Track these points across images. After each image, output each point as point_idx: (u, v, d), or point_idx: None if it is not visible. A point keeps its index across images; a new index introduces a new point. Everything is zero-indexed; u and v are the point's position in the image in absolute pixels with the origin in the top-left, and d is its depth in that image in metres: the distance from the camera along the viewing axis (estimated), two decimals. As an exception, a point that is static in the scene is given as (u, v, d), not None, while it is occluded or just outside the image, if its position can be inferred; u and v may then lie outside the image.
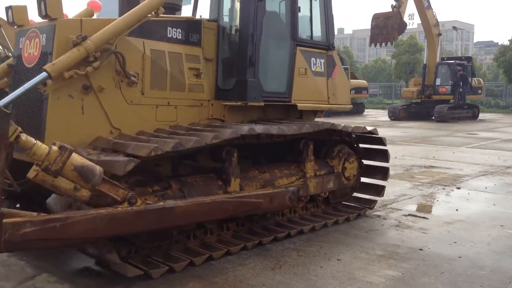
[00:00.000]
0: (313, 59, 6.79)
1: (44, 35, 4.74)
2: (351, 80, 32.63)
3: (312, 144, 6.29)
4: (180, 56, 5.59)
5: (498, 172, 10.88)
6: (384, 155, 7.16)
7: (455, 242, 5.76)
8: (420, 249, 5.47)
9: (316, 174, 6.37)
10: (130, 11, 4.92)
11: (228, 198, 4.89)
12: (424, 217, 6.90)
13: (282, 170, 6.06)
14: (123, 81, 5.03)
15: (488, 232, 6.22)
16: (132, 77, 5.01)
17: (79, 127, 4.76)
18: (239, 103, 5.89)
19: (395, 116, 28.21)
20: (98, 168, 3.88)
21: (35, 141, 3.74)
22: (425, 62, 29.31)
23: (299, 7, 6.52)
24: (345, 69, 32.73)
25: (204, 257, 4.92)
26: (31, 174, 3.72)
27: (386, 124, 25.58)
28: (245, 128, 5.18)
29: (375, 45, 26.25)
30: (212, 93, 5.99)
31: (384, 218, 6.79)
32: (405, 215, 6.97)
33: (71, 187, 3.79)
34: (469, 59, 31.19)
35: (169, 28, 5.52)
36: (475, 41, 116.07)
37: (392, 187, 8.93)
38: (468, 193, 8.55)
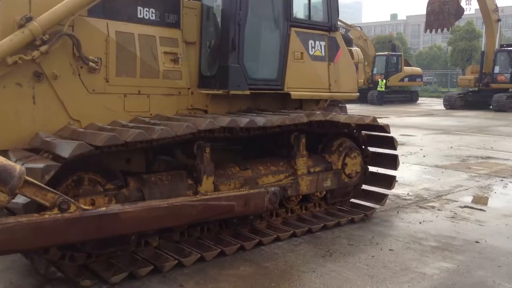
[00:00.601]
0: (311, 41, 6.07)
1: None
2: (405, 68, 31.88)
3: (304, 137, 5.55)
4: (153, 39, 5.06)
5: (561, 164, 10.36)
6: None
7: (514, 236, 5.54)
8: (477, 242, 5.29)
9: (309, 171, 5.64)
10: None
11: (191, 201, 4.20)
12: (480, 209, 6.66)
13: (268, 167, 5.37)
14: (82, 67, 4.58)
15: (549, 226, 5.94)
16: (91, 63, 4.55)
17: (30, 118, 4.34)
18: (220, 92, 5.32)
19: (451, 105, 27.36)
20: (18, 168, 3.30)
21: None
22: (483, 49, 28.19)
23: None
24: (399, 56, 32.15)
25: (254, 242, 4.95)
26: None
27: (442, 113, 24.85)
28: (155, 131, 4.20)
29: (431, 32, 25.46)
30: (194, 81, 5.44)
31: (438, 209, 6.61)
32: (461, 207, 6.76)
33: None
34: (530, 46, 29.72)
35: (139, 8, 4.97)
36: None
37: (448, 178, 8.70)
38: (528, 186, 8.20)
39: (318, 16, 6.28)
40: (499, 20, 26.68)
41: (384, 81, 29.77)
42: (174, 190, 4.57)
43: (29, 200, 3.49)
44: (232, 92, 5.32)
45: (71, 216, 3.54)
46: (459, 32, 49.94)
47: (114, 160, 4.49)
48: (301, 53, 5.96)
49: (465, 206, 6.80)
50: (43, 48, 4.24)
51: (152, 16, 5.08)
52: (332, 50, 6.34)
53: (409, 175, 8.89)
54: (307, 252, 4.89)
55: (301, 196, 5.73)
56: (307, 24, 6.08)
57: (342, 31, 21.07)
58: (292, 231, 5.30)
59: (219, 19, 5.52)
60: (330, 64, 6.32)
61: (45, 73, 4.40)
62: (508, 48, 28.04)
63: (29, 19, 4.14)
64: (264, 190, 4.76)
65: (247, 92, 5.49)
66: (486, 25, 27.04)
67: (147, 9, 5.03)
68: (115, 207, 3.81)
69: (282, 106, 6.18)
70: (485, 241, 5.33)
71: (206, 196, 4.33)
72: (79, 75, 4.59)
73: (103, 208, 3.74)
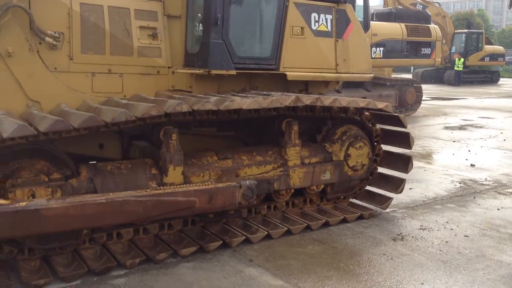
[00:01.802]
0: (314, 15, 5.35)
1: None
2: (486, 46, 30.15)
3: (296, 124, 4.85)
4: (127, 12, 4.62)
5: None
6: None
7: None
8: (561, 231, 4.98)
9: (303, 162, 4.94)
10: None
11: (137, 197, 3.62)
12: None
13: (253, 157, 4.73)
14: (41, 43, 4.21)
15: None
16: (47, 38, 4.19)
17: None
18: (201, 71, 4.79)
19: (535, 86, 25.70)
20: None
21: None
22: None
23: None
24: (479, 33, 30.40)
25: (320, 222, 4.92)
26: None
27: (524, 94, 23.44)
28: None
29: (516, 7, 23.88)
30: (178, 59, 4.97)
31: (518, 196, 6.27)
32: (544, 194, 6.38)
33: None
34: None
35: None
36: None
37: (529, 163, 8.21)
38: None
39: None
40: None
41: (462, 60, 28.31)
42: (133, 180, 4.07)
43: None
44: (213, 71, 4.78)
45: None
46: (548, 8, 46.56)
47: (82, 145, 4.18)
48: (302, 28, 5.31)
49: (549, 194, 6.40)
50: None
51: None
52: (341, 24, 5.60)
53: (487, 160, 8.48)
54: (376, 235, 4.79)
55: (293, 190, 5.03)
56: None
57: (419, 7, 20.19)
58: (359, 213, 5.21)
59: None
60: (337, 41, 5.60)
61: None
62: None
63: None
64: (236, 184, 4.10)
65: (233, 72, 4.91)
66: None
67: None
68: (36, 202, 3.31)
69: (283, 88, 5.51)
70: None
71: (157, 191, 3.73)
72: (38, 51, 4.25)
73: (22, 204, 3.25)
